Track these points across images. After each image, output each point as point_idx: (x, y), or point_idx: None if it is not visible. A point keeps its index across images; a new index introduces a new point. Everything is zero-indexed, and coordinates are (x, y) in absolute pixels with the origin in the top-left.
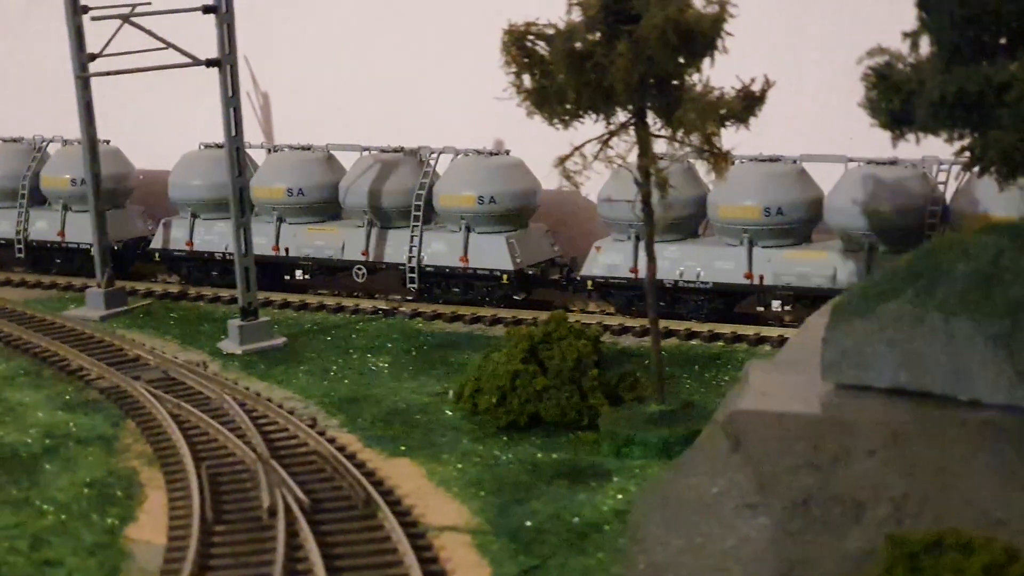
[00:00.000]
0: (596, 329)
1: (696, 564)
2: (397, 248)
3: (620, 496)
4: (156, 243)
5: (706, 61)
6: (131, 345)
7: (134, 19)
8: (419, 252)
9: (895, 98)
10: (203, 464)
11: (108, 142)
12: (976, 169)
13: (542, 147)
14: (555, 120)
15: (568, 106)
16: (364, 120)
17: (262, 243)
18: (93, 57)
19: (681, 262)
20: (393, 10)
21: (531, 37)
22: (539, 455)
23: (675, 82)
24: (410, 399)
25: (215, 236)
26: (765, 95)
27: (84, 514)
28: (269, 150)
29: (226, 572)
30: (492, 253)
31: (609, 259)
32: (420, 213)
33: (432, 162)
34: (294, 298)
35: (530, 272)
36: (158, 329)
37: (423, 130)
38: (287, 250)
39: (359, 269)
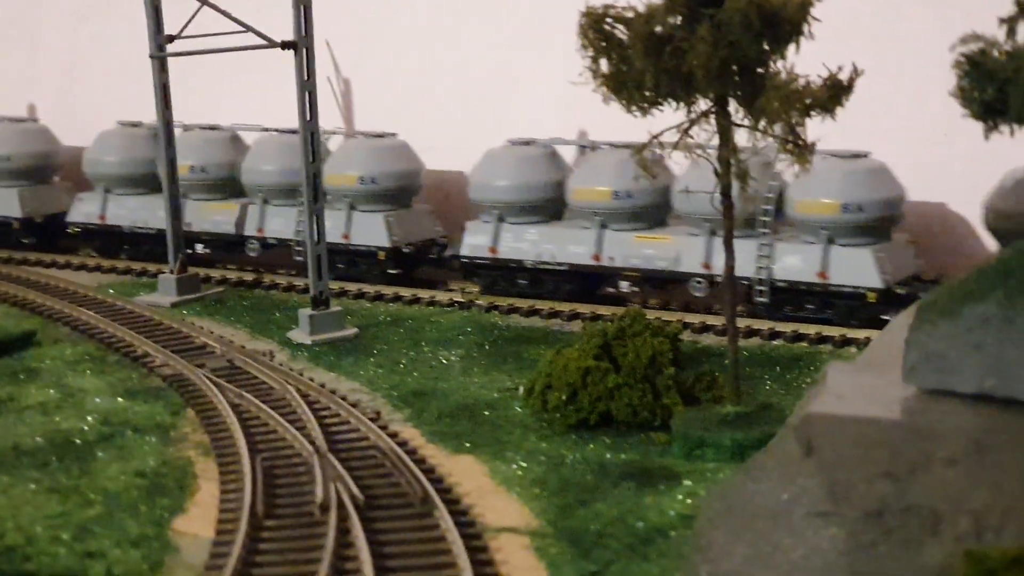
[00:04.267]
0: (675, 327)
1: (762, 575)
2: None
3: (689, 500)
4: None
5: (796, 49)
6: (199, 333)
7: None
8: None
9: (988, 87)
10: (258, 456)
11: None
12: None
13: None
14: (633, 107)
15: (647, 93)
16: (447, 107)
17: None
18: (171, 39)
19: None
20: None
21: (610, 20)
22: (607, 455)
23: (759, 70)
24: (479, 394)
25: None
26: (853, 84)
27: (132, 505)
28: None
29: (272, 568)
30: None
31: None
32: None
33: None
34: (369, 288)
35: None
36: (229, 317)
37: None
38: None
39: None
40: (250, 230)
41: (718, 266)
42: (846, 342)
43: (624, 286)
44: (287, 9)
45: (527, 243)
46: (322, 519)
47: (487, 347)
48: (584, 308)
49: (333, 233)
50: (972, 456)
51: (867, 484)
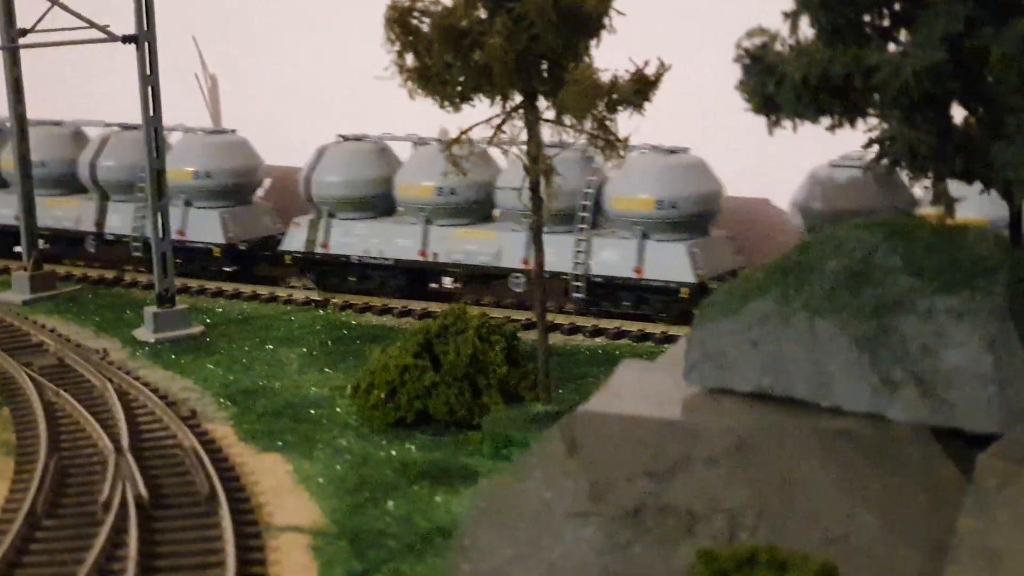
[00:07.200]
0: (513, 326)
1: (521, 575)
2: None
3: None
4: None
5: (597, 43)
6: (39, 331)
7: None
8: None
9: (768, 82)
10: (55, 455)
11: None
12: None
13: None
14: (444, 102)
15: (458, 87)
16: (319, 106)
17: None
18: (24, 32)
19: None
20: None
21: (416, 13)
22: (415, 453)
23: (571, 64)
24: (309, 393)
25: None
26: (660, 79)
27: None
28: None
29: (37, 569)
30: None
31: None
32: None
33: None
34: (228, 287)
35: None
36: (79, 315)
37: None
38: None
39: None
40: None
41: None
42: None
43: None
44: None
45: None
46: (103, 518)
47: (331, 345)
48: (436, 306)
49: None
50: (733, 455)
51: (628, 483)
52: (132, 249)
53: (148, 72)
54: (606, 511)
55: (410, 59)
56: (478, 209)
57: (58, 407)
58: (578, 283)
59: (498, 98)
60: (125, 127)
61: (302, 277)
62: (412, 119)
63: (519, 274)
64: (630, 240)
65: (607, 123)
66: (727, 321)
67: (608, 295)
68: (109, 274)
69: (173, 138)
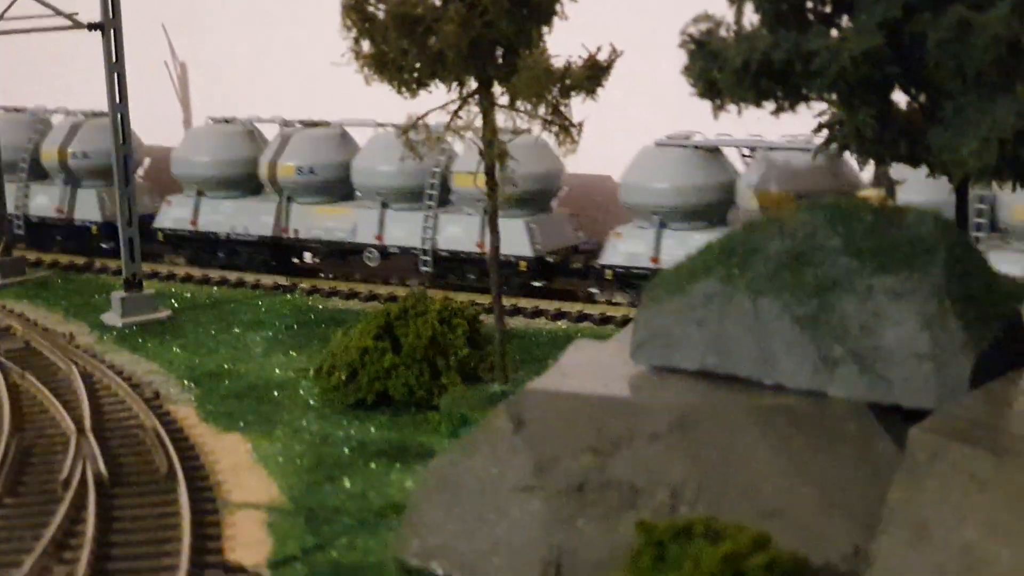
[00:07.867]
0: (474, 309)
1: (467, 549)
2: None
3: None
4: None
5: (549, 29)
6: (7, 315)
7: None
8: None
9: (712, 67)
10: (17, 435)
11: None
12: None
13: None
14: (402, 88)
15: (414, 74)
16: (286, 92)
17: None
18: None
19: None
20: None
21: (372, 1)
22: (374, 433)
23: (525, 50)
24: (273, 375)
25: None
26: (612, 65)
27: None
28: None
29: None
30: None
31: None
32: None
33: None
34: (196, 272)
35: None
36: (48, 300)
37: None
38: None
39: None
40: None
41: None
42: None
43: None
44: None
45: None
46: (62, 496)
47: (296, 328)
48: (402, 291)
49: None
50: (675, 431)
51: (572, 459)
52: (14, 227)
53: (114, 59)
54: (551, 486)
55: (366, 46)
56: (337, 188)
57: (23, 389)
58: (426, 257)
59: (454, 84)
60: (7, 110)
61: (176, 254)
62: (382, 104)
63: (372, 249)
64: (474, 216)
65: (561, 108)
66: (673, 301)
67: (454, 268)
68: (79, 260)
69: (55, 119)
